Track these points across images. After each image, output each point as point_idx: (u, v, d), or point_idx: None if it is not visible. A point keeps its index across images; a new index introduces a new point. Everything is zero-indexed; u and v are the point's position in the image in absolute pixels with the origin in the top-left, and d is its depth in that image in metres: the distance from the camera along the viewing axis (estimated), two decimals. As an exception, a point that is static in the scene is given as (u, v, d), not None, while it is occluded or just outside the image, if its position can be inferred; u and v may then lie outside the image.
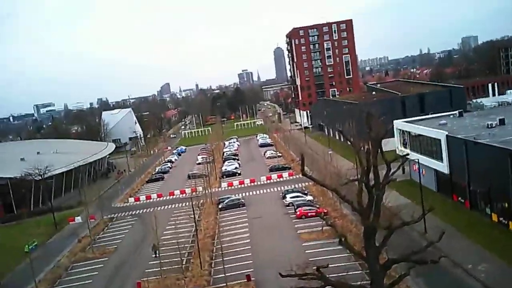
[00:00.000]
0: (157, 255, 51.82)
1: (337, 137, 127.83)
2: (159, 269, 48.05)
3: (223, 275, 45.67)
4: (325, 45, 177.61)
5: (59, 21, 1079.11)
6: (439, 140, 60.73)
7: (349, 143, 32.36)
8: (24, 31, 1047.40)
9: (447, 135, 59.19)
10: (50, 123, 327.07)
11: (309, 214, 63.16)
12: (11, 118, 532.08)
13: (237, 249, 54.04)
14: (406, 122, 74.93)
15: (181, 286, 46.50)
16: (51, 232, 75.24)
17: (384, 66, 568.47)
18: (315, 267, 26.97)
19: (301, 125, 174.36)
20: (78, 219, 77.93)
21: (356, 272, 40.72)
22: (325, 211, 62.24)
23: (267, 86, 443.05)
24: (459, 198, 59.44)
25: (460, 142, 55.99)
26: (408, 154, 30.68)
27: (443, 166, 61.25)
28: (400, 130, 75.87)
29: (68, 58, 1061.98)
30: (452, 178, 60.23)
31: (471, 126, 64.50)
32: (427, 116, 78.20)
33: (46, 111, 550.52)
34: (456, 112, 75.22)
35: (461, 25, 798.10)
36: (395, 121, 77.39)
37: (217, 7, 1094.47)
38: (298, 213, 64.28)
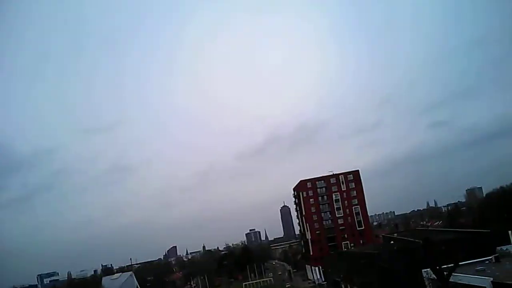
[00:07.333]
0: None
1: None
2: None
3: None
4: (333, 196, 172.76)
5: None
6: (484, 287, 52.13)
7: None
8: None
9: (492, 281, 50.81)
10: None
11: None
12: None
13: None
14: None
15: None
16: None
17: (392, 220, 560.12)
18: None
19: (314, 282, 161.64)
20: None
21: None
22: None
23: (275, 244, 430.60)
24: None
25: (510, 289, 47.60)
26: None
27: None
28: (431, 279, 66.86)
29: (74, 226, 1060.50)
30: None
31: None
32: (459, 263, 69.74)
33: (50, 281, 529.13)
34: (492, 257, 67.28)
35: (465, 177, 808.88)
36: (423, 270, 69.22)
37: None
38: None
